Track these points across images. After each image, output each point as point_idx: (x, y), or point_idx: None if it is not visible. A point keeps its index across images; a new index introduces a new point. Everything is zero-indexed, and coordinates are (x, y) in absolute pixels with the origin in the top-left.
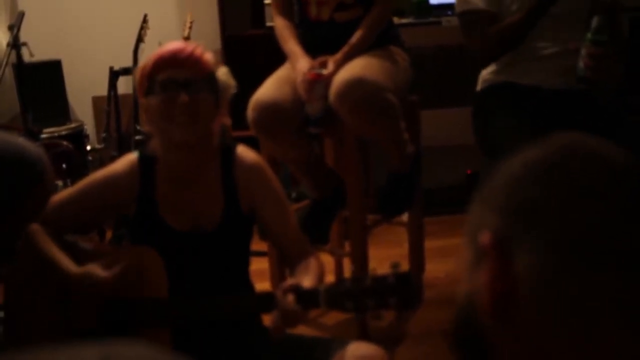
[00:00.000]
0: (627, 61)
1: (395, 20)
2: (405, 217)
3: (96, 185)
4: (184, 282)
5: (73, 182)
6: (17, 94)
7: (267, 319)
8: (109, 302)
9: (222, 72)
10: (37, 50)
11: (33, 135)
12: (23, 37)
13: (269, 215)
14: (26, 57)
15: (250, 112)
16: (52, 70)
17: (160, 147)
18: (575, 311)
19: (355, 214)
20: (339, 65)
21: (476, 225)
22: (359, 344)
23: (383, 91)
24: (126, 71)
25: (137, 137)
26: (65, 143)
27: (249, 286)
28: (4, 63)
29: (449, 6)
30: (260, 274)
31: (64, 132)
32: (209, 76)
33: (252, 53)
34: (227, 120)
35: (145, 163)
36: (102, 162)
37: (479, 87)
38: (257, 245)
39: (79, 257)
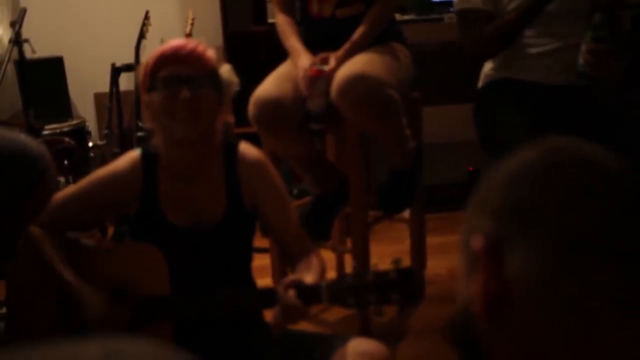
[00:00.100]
0: (629, 57)
1: (397, 16)
2: (406, 213)
3: (99, 184)
4: (185, 279)
5: (75, 179)
6: (19, 90)
7: (269, 315)
8: (112, 297)
9: (225, 70)
10: (39, 47)
11: (35, 132)
12: (25, 34)
13: (271, 212)
14: (28, 54)
15: (251, 109)
16: (54, 67)
17: (162, 144)
18: (575, 311)
19: (356, 211)
20: (341, 62)
21: (469, 231)
22: (360, 340)
23: (384, 87)
24: (128, 68)
25: (139, 134)
26: (67, 139)
27: (251, 283)
28: (6, 59)
29: (451, 3)
30: (261, 270)
31: (65, 129)
32: (211, 73)
33: (253, 50)
34: (230, 118)
35: (148, 160)
36: (104, 159)
37: (480, 83)
38: (259, 241)
39: (83, 255)
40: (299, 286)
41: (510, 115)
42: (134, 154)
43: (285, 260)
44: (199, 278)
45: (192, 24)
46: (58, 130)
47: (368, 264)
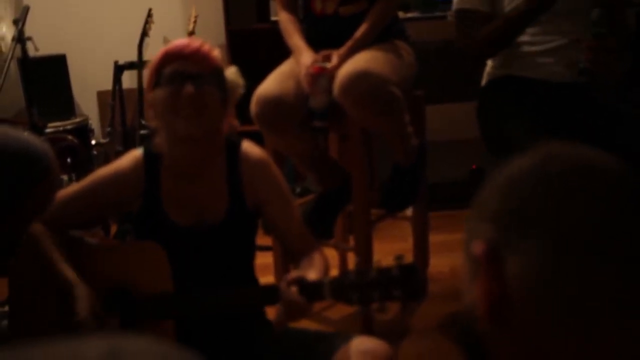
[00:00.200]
0: (633, 55)
1: (401, 14)
2: (409, 211)
3: (101, 182)
4: (188, 277)
5: (78, 177)
6: (22, 88)
7: (271, 313)
8: (114, 296)
9: (231, 72)
10: (42, 45)
11: (38, 130)
12: (28, 32)
13: (274, 211)
14: (31, 52)
15: (253, 107)
16: (57, 65)
17: (165, 142)
18: (575, 311)
19: (359, 208)
20: (343, 60)
21: (470, 237)
22: (363, 339)
23: (387, 84)
24: (131, 65)
25: (142, 132)
26: (70, 137)
27: (254, 281)
28: (9, 57)
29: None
30: (264, 268)
31: (68, 127)
32: (216, 72)
33: (256, 47)
34: (235, 122)
35: (150, 159)
36: (107, 157)
37: (483, 81)
38: (262, 239)
39: (85, 253)
40: (302, 283)
41: (513, 112)
42: (137, 153)
43: (288, 258)
44: (201, 276)
45: (194, 22)
46: (61, 128)
47: (371, 262)
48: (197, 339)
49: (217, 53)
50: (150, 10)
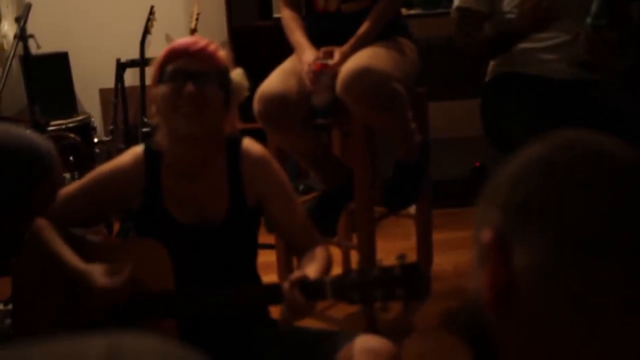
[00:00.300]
0: (637, 50)
1: (403, 11)
2: (413, 209)
3: (102, 179)
4: (190, 276)
5: (80, 175)
6: (24, 86)
7: (274, 311)
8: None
9: (237, 73)
10: (44, 42)
11: (40, 128)
12: (30, 29)
13: (275, 207)
14: (33, 49)
15: (256, 105)
16: (59, 62)
17: (166, 140)
18: (578, 307)
19: (362, 206)
20: (346, 57)
21: (479, 224)
22: (366, 337)
23: (390, 80)
24: (133, 63)
25: (144, 130)
26: (72, 135)
27: (256, 279)
28: (11, 55)
29: None
30: (267, 266)
31: (71, 125)
32: (220, 71)
33: (259, 45)
34: (238, 123)
35: (151, 156)
36: (110, 155)
37: (487, 77)
38: (264, 237)
39: (87, 251)
40: (304, 282)
41: (517, 109)
42: (137, 149)
43: (291, 256)
44: (203, 275)
45: (197, 19)
46: (63, 126)
47: (374, 260)
48: (199, 338)
49: (223, 53)
50: (152, 7)
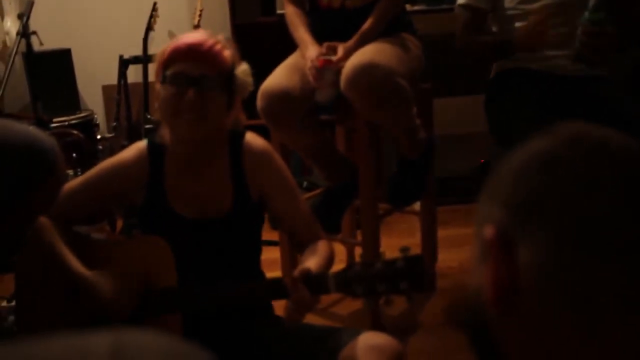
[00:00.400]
0: None
1: (408, 7)
2: (417, 206)
3: (105, 174)
4: (193, 271)
5: (83, 172)
6: (27, 83)
7: (278, 307)
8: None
9: (242, 70)
10: (46, 39)
11: (43, 124)
12: (33, 26)
13: (278, 201)
14: (36, 46)
15: (259, 101)
16: (61, 59)
17: (169, 137)
18: (579, 307)
19: (366, 203)
20: (350, 53)
21: (482, 220)
22: (371, 334)
23: (394, 76)
24: (136, 59)
25: (147, 126)
26: (75, 132)
27: (260, 275)
28: (14, 52)
29: None
30: (271, 263)
31: (74, 121)
32: (224, 74)
33: (262, 41)
34: (242, 116)
35: (154, 151)
36: (113, 151)
37: (492, 74)
38: (268, 234)
39: (91, 249)
40: (307, 276)
41: (522, 105)
42: (141, 144)
43: (295, 253)
44: (207, 270)
45: (200, 16)
46: (66, 123)
47: (378, 257)
48: (203, 334)
49: (228, 53)
50: (155, 4)
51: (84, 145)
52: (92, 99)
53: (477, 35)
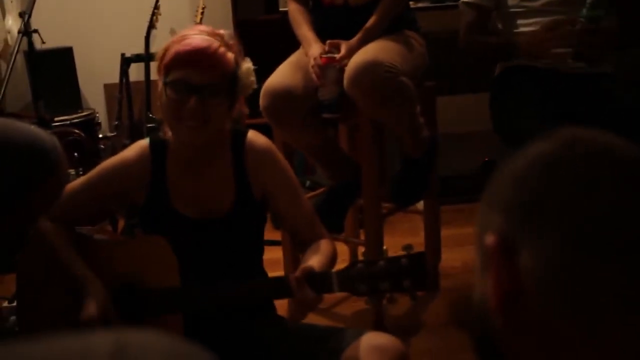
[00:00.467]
0: None
1: (411, 4)
2: (420, 205)
3: (107, 173)
4: (196, 271)
5: (85, 171)
6: (28, 81)
7: (280, 307)
8: (121, 291)
9: (245, 69)
10: (48, 37)
11: (45, 123)
12: (34, 24)
13: (281, 200)
14: (37, 44)
15: (262, 100)
16: (63, 58)
17: (171, 136)
18: (579, 307)
19: (369, 202)
20: (353, 50)
21: (482, 229)
22: (374, 334)
23: (397, 74)
24: (138, 58)
25: (149, 125)
26: (76, 131)
27: (262, 275)
28: (15, 50)
29: None
30: (273, 263)
31: (75, 120)
32: (227, 78)
33: (265, 39)
34: (245, 109)
35: (156, 150)
36: (114, 150)
37: (496, 71)
38: (271, 234)
39: (93, 250)
40: (310, 275)
41: (526, 103)
42: (143, 143)
43: (298, 252)
44: (209, 270)
45: (202, 13)
46: (68, 122)
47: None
48: (205, 334)
49: (230, 55)
50: (157, 1)
51: (85, 145)
52: (94, 98)
53: (480, 35)
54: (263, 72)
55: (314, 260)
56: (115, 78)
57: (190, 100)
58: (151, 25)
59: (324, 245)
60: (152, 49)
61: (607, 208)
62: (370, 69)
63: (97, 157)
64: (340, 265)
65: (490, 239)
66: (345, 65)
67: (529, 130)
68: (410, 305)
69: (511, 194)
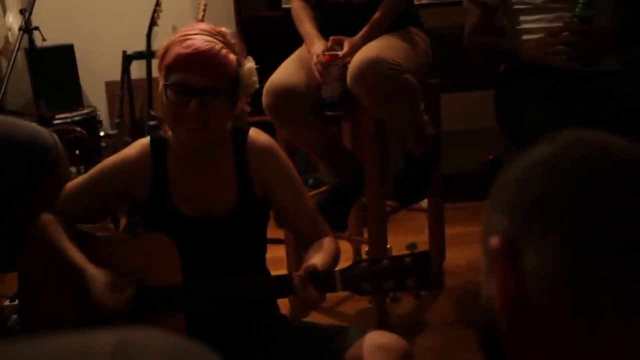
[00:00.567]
0: None
1: (415, 0)
2: (424, 203)
3: (108, 171)
4: (199, 269)
5: (86, 169)
6: (29, 79)
7: (283, 305)
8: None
9: (246, 70)
10: (49, 35)
11: (46, 121)
12: (35, 22)
13: (284, 197)
14: (38, 42)
15: (264, 98)
16: (64, 55)
17: (172, 134)
18: (579, 307)
19: (373, 200)
20: (356, 48)
21: (487, 232)
22: (378, 333)
23: (401, 72)
24: (139, 55)
25: (151, 123)
26: (78, 129)
27: (265, 273)
28: (16, 48)
29: None
30: (277, 261)
31: (76, 118)
32: (229, 80)
33: (267, 36)
34: (246, 107)
35: (157, 148)
36: (116, 148)
37: (501, 69)
38: (274, 232)
39: (95, 247)
40: (313, 273)
41: (531, 101)
42: (144, 141)
43: (301, 251)
44: (212, 268)
45: (204, 10)
46: (69, 120)
47: (385, 254)
48: (207, 333)
49: (232, 57)
50: None
51: (86, 142)
52: (95, 96)
53: (485, 36)
54: (266, 69)
55: (317, 259)
56: (116, 75)
57: (190, 103)
58: (153, 22)
59: (327, 243)
60: (154, 46)
61: (607, 208)
62: (373, 66)
63: (99, 155)
64: (344, 263)
65: (494, 241)
66: (348, 62)
67: (534, 128)
68: (414, 304)
69: (514, 197)
